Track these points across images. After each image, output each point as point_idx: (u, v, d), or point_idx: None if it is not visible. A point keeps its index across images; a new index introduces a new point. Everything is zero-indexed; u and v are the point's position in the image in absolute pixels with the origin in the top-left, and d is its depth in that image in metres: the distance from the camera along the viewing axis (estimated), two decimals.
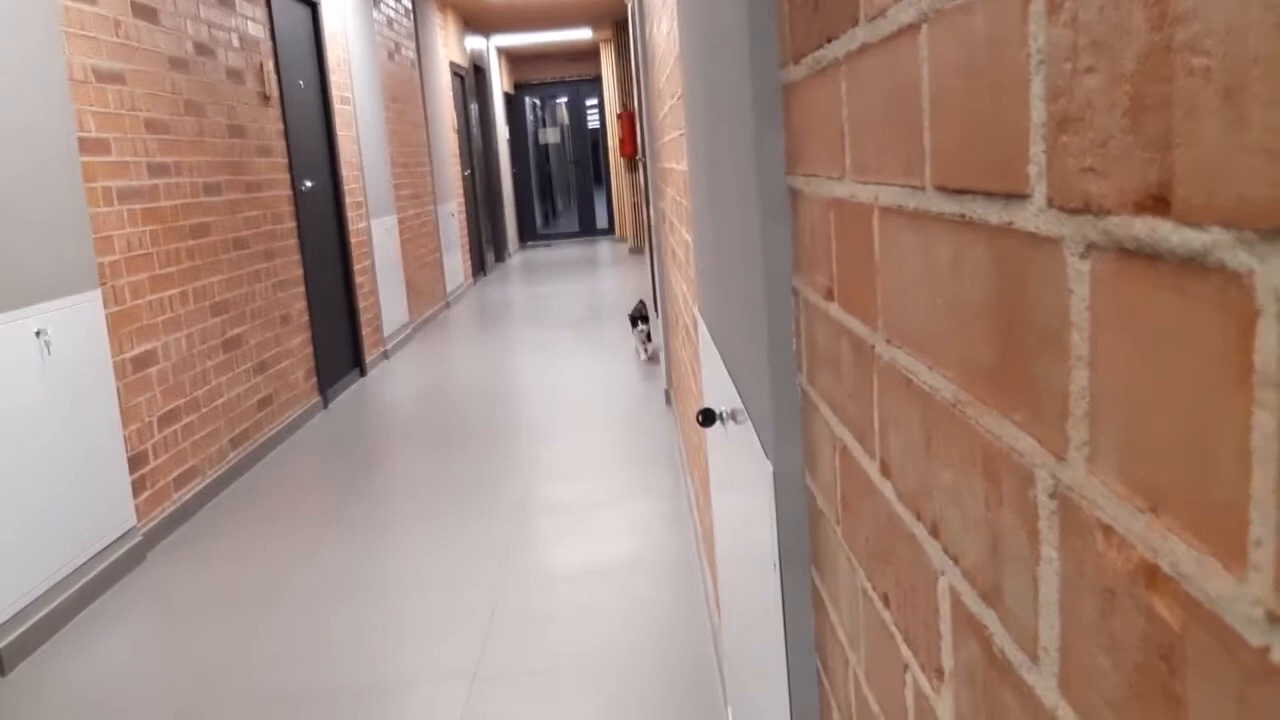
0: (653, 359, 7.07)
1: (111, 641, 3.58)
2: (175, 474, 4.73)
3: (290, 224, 6.55)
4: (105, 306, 4.23)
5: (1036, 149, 0.47)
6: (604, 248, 17.09)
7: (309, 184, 6.97)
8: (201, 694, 3.15)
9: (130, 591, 4.01)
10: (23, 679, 3.34)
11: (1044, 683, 0.51)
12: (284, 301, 6.34)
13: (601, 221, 19.27)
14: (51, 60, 3.94)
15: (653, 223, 6.11)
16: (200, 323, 5.13)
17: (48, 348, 3.78)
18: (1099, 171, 0.41)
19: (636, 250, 15.00)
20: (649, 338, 7.02)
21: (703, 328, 2.40)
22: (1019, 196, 0.50)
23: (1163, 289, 0.37)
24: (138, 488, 4.38)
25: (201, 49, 5.41)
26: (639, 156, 9.47)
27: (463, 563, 4.01)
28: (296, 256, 6.62)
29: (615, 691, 2.96)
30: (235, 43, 5.87)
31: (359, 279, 7.97)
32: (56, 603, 3.67)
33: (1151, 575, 0.39)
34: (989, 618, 0.58)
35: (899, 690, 0.82)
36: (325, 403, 6.91)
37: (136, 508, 4.34)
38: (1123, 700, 0.42)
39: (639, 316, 7.11)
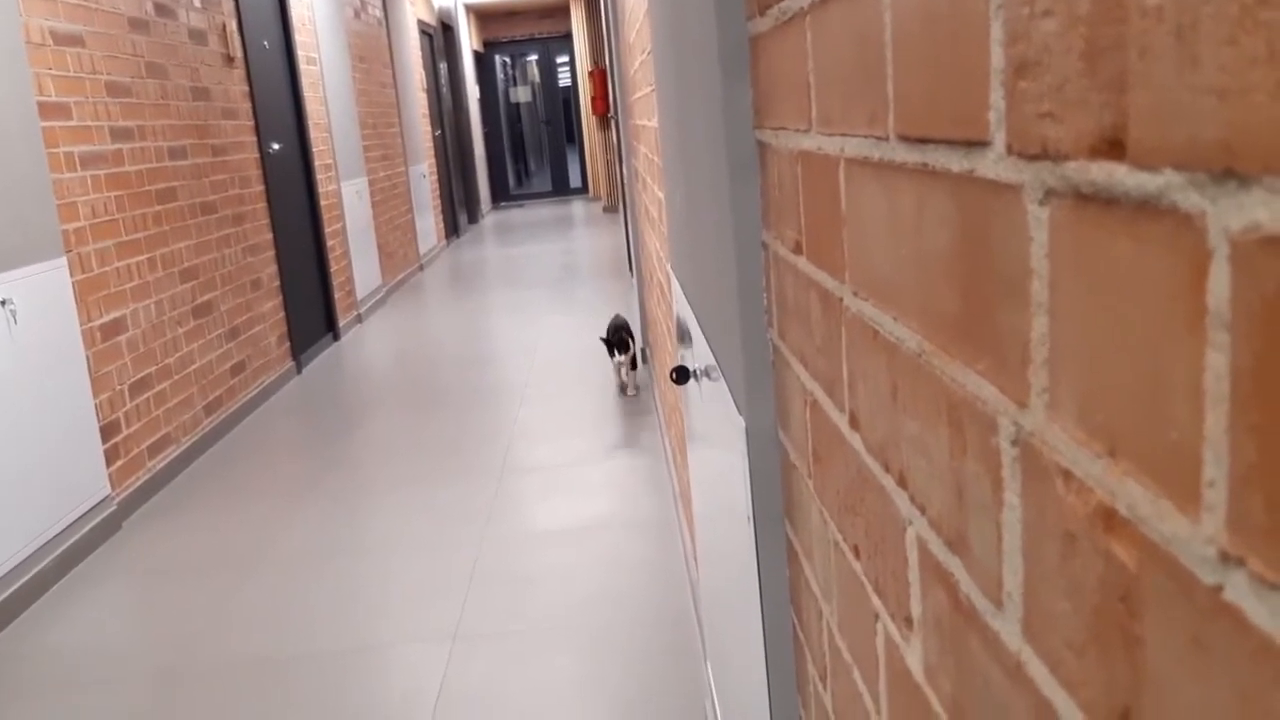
0: (637, 394, 5.33)
1: (89, 610, 3.57)
2: (149, 442, 4.71)
3: (258, 188, 6.48)
4: (71, 274, 4.18)
5: (996, 95, 0.47)
6: (578, 207, 17.01)
7: (276, 147, 6.88)
8: (181, 660, 3.15)
9: (107, 560, 4.00)
10: (1, 647, 3.33)
11: (1008, 628, 0.51)
12: (254, 266, 6.29)
13: (575, 181, 19.17)
14: (7, 22, 3.86)
15: (626, 181, 6.08)
16: (169, 289, 5.08)
17: (14, 317, 3.73)
18: (1056, 116, 0.41)
19: (610, 209, 14.94)
20: (634, 365, 5.34)
21: (675, 285, 2.40)
22: (979, 144, 0.50)
23: (1119, 233, 0.37)
24: (111, 456, 4.35)
25: (162, 9, 5.31)
26: (611, 114, 9.40)
27: (441, 525, 4.02)
28: (266, 220, 6.55)
29: (596, 649, 2.98)
30: (196, 2, 5.77)
31: (330, 242, 7.91)
32: (33, 572, 3.66)
33: (1109, 518, 0.39)
34: (955, 565, 0.59)
35: (870, 639, 0.83)
36: (299, 368, 6.88)
37: (110, 476, 4.32)
38: (1083, 643, 0.43)
39: (616, 342, 5.20)
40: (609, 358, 5.10)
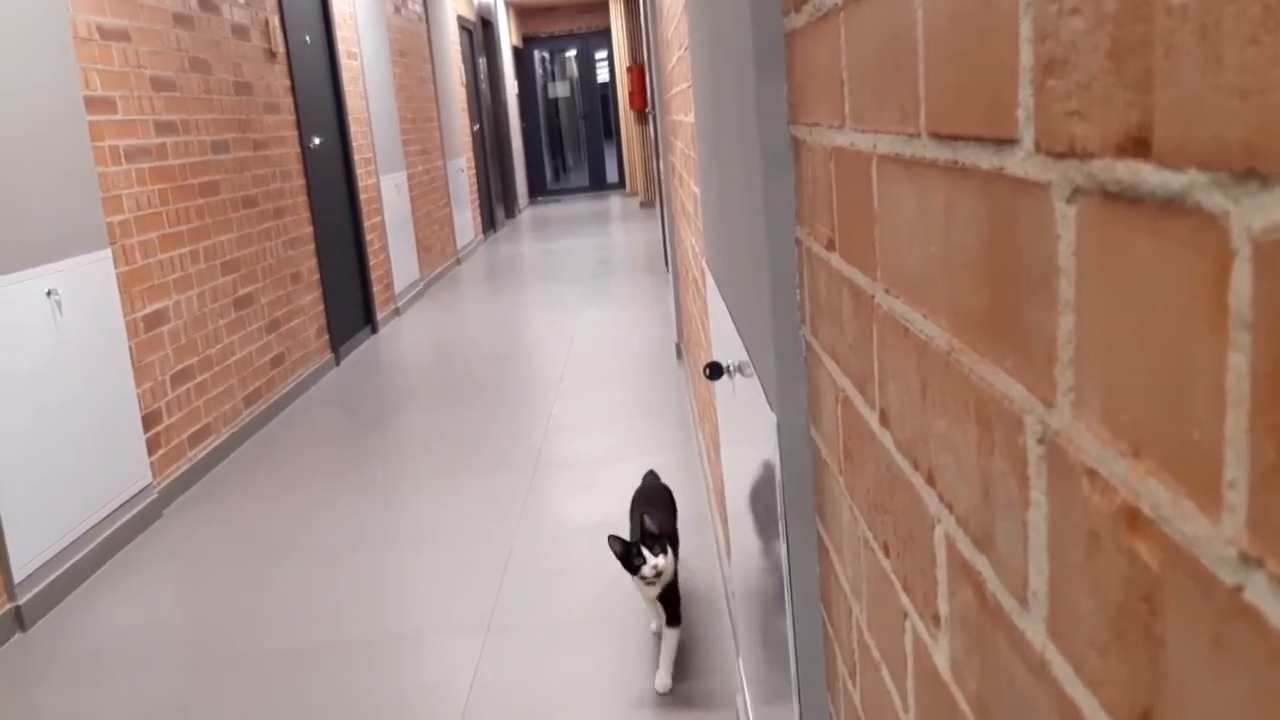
0: (670, 624, 2.77)
1: (128, 597, 3.63)
2: (189, 432, 4.77)
3: (299, 181, 6.54)
4: (115, 266, 4.24)
5: (1025, 93, 0.47)
6: (614, 202, 17.02)
7: (317, 141, 6.94)
8: (218, 646, 3.19)
9: (146, 548, 4.06)
10: (43, 634, 3.39)
11: (1033, 626, 0.51)
12: (294, 259, 6.35)
13: (612, 176, 19.18)
14: (55, 18, 3.92)
15: (663, 176, 6.09)
16: (211, 281, 5.14)
17: (59, 307, 3.79)
18: (1083, 115, 0.41)
19: (647, 204, 14.95)
20: (658, 575, 2.66)
21: (710, 281, 2.40)
22: (1008, 142, 0.50)
23: (1143, 232, 0.37)
24: (152, 445, 4.42)
25: (205, 5, 5.37)
26: (648, 109, 9.40)
27: (476, 517, 4.04)
28: (306, 214, 6.62)
29: (628, 642, 2.99)
30: None
31: (369, 236, 7.96)
32: (75, 559, 3.72)
33: (1133, 518, 0.39)
34: (982, 564, 0.59)
35: (899, 637, 0.83)
36: (337, 360, 6.94)
37: (152, 465, 4.38)
38: (1106, 642, 0.43)
39: (637, 543, 2.68)
40: (623, 561, 2.66)
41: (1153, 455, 0.37)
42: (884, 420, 0.82)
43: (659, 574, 2.64)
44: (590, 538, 3.75)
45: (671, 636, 2.72)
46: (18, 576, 3.41)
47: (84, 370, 3.93)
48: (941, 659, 0.70)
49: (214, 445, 4.97)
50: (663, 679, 2.69)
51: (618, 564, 3.51)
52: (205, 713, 2.83)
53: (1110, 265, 0.40)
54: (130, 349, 4.30)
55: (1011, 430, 0.52)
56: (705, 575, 3.36)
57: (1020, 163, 0.48)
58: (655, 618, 2.89)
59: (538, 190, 18.79)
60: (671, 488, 3.22)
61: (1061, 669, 0.48)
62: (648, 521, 2.68)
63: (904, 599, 0.80)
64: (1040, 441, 0.48)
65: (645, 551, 2.62)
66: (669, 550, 2.68)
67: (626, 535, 2.88)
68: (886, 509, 0.83)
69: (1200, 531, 0.34)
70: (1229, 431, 0.32)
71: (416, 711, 2.74)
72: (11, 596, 3.39)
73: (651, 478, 3.33)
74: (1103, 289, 0.41)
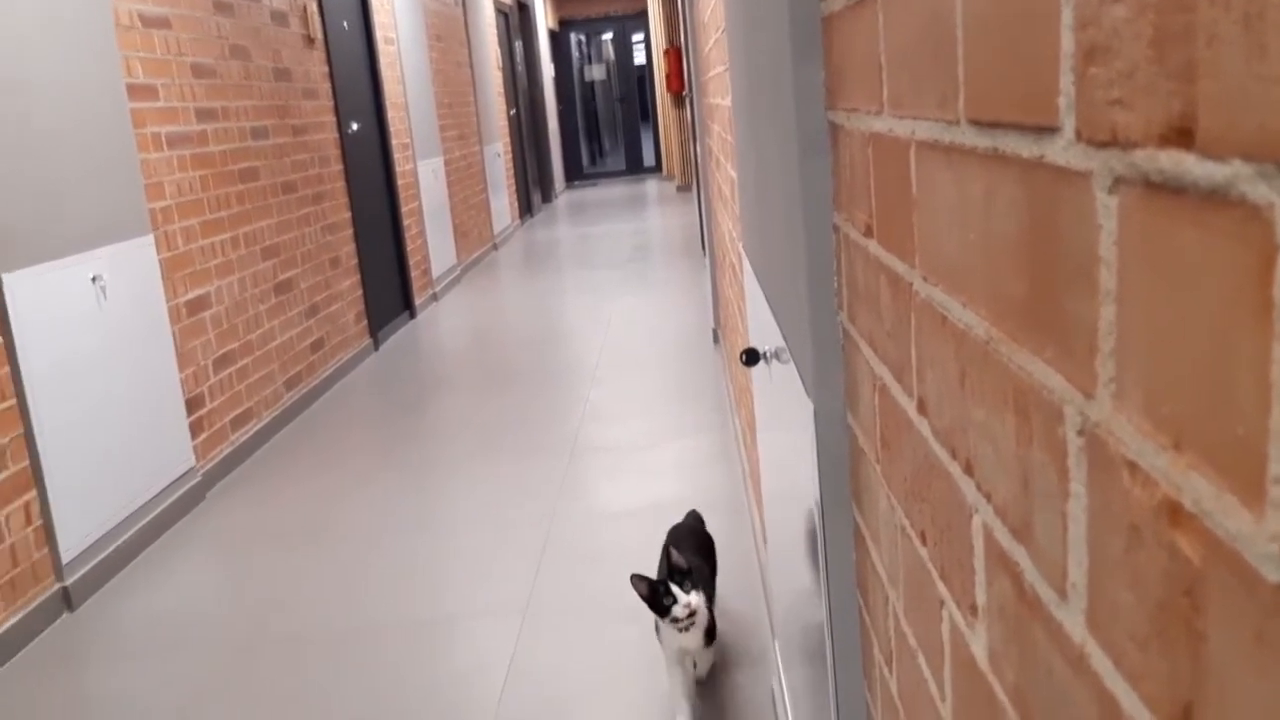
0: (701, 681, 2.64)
1: (173, 579, 3.68)
2: (231, 416, 4.83)
3: (337, 167, 6.58)
4: (158, 252, 4.29)
5: (1066, 81, 0.46)
6: (651, 186, 16.99)
7: (355, 126, 6.98)
8: (260, 628, 3.24)
9: (190, 530, 4.11)
10: (89, 614, 3.45)
11: (1072, 619, 0.51)
12: (333, 245, 6.39)
13: (649, 159, 19.13)
14: (98, 6, 3.96)
15: (700, 160, 6.07)
16: (251, 267, 5.19)
17: (104, 293, 3.85)
18: (1125, 103, 0.40)
19: (684, 188, 14.90)
20: (709, 636, 2.46)
21: (747, 266, 2.39)
22: (1049, 129, 0.49)
23: (1187, 223, 0.36)
24: (195, 429, 4.47)
25: None
26: (685, 93, 9.36)
27: (513, 501, 4.06)
28: (344, 200, 6.66)
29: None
30: None
31: (407, 221, 8.00)
32: (120, 541, 3.78)
33: (1174, 512, 0.39)
34: (1020, 554, 0.59)
35: (936, 626, 0.82)
36: (376, 345, 6.99)
37: (195, 449, 4.44)
38: (1147, 636, 0.42)
39: (665, 580, 2.38)
40: (651, 604, 2.37)
41: (1194, 449, 0.37)
42: (922, 409, 0.81)
43: (692, 615, 2.31)
44: (627, 522, 3.76)
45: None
46: (65, 558, 3.47)
47: (128, 355, 3.98)
48: (979, 649, 0.70)
49: (255, 429, 5.03)
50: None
51: (654, 545, 3.50)
52: (247, 694, 2.87)
53: (1153, 256, 0.39)
54: (173, 334, 4.36)
55: (1051, 421, 0.52)
56: (740, 559, 3.36)
57: (1061, 151, 0.48)
58: (683, 697, 2.41)
59: (574, 174, 18.78)
60: (713, 535, 2.91)
61: (1101, 662, 0.47)
62: (675, 555, 2.36)
63: (941, 588, 0.79)
64: (1080, 433, 0.48)
65: (675, 589, 2.30)
66: (700, 589, 2.36)
67: (654, 573, 2.65)
68: (924, 497, 0.83)
69: (1243, 527, 0.34)
70: (1274, 426, 0.32)
71: (452, 696, 2.77)
72: (59, 577, 3.46)
73: (692, 519, 2.98)
74: (1145, 280, 0.40)
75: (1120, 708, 0.45)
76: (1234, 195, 0.33)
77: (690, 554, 2.53)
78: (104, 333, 3.84)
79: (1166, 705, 0.41)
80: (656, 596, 2.33)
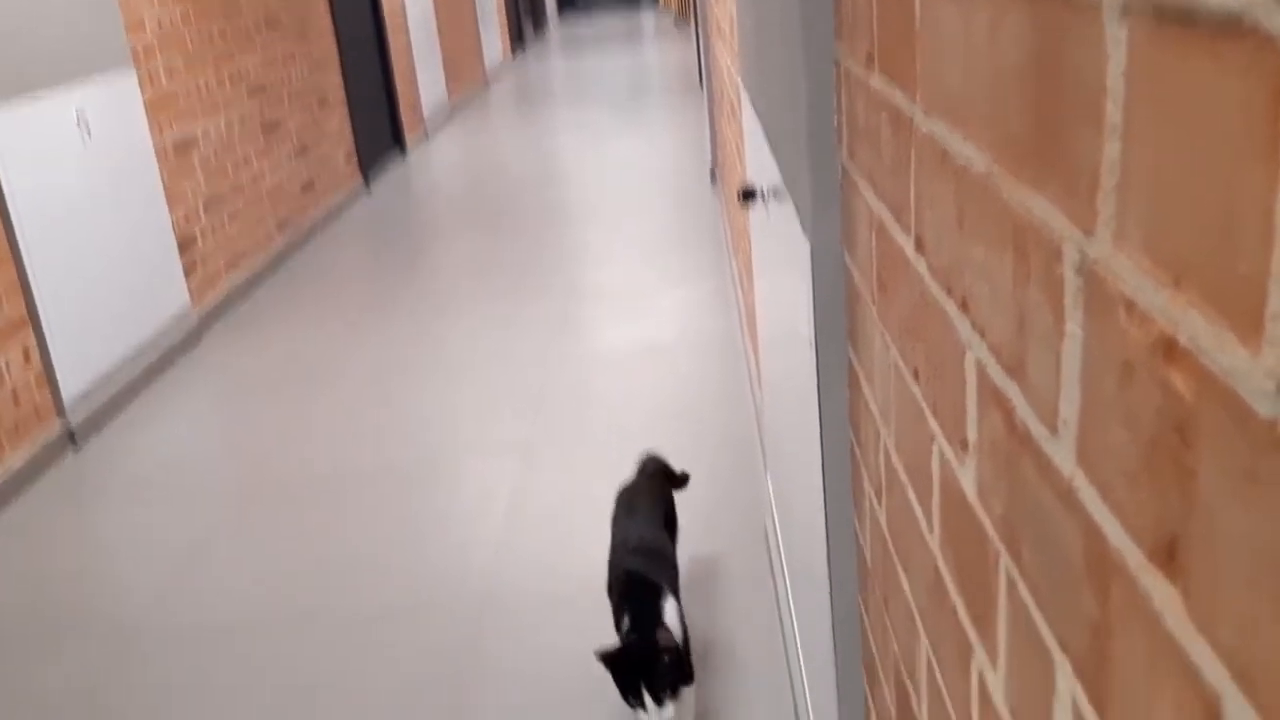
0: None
1: (173, 419, 3.73)
2: (224, 258, 4.80)
3: (322, 1, 6.37)
4: (142, 90, 4.19)
5: None
6: (647, 19, 16.50)
7: None
8: (263, 470, 3.30)
9: (188, 372, 4.15)
10: (93, 453, 3.51)
11: (1062, 453, 0.52)
12: (320, 83, 6.24)
13: None
14: None
15: None
16: (238, 106, 5.07)
17: (88, 131, 3.77)
18: None
19: (681, 21, 14.47)
20: (678, 680, 1.90)
21: (746, 102, 2.34)
22: None
23: (1197, 54, 0.35)
24: (189, 271, 4.46)
25: None
26: None
27: (511, 345, 4.09)
28: (330, 35, 6.47)
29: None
30: None
31: (395, 55, 7.79)
32: (120, 382, 3.81)
33: (1170, 349, 0.39)
34: (1012, 390, 0.59)
35: (926, 461, 0.84)
36: (368, 186, 6.91)
37: (190, 291, 4.44)
38: (1136, 471, 0.43)
39: (633, 653, 1.86)
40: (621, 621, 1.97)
41: (1194, 286, 0.37)
42: (919, 247, 0.81)
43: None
44: (624, 364, 3.79)
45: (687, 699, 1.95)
46: (67, 398, 3.51)
47: (117, 196, 3.94)
48: (968, 482, 0.71)
49: (249, 272, 5.01)
50: None
51: (652, 386, 3.54)
52: (253, 532, 2.95)
53: (1161, 89, 0.38)
54: (162, 175, 4.29)
55: (1049, 259, 0.51)
56: (734, 400, 3.40)
57: None
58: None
59: (566, 5, 18.21)
60: (673, 469, 2.51)
61: (1089, 496, 0.48)
62: (663, 637, 1.82)
63: (932, 424, 0.80)
64: (1079, 271, 0.48)
65: (647, 701, 1.80)
66: (678, 690, 1.84)
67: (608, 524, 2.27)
68: (919, 336, 0.83)
69: (1239, 364, 0.34)
70: (1275, 263, 0.31)
71: (454, 533, 2.84)
72: (63, 415, 3.50)
73: (648, 469, 2.46)
74: (1152, 113, 0.39)
75: (1106, 540, 0.46)
76: (1247, 24, 0.32)
77: (646, 523, 2.19)
78: (91, 173, 3.79)
79: (1151, 538, 0.42)
80: (627, 686, 1.84)
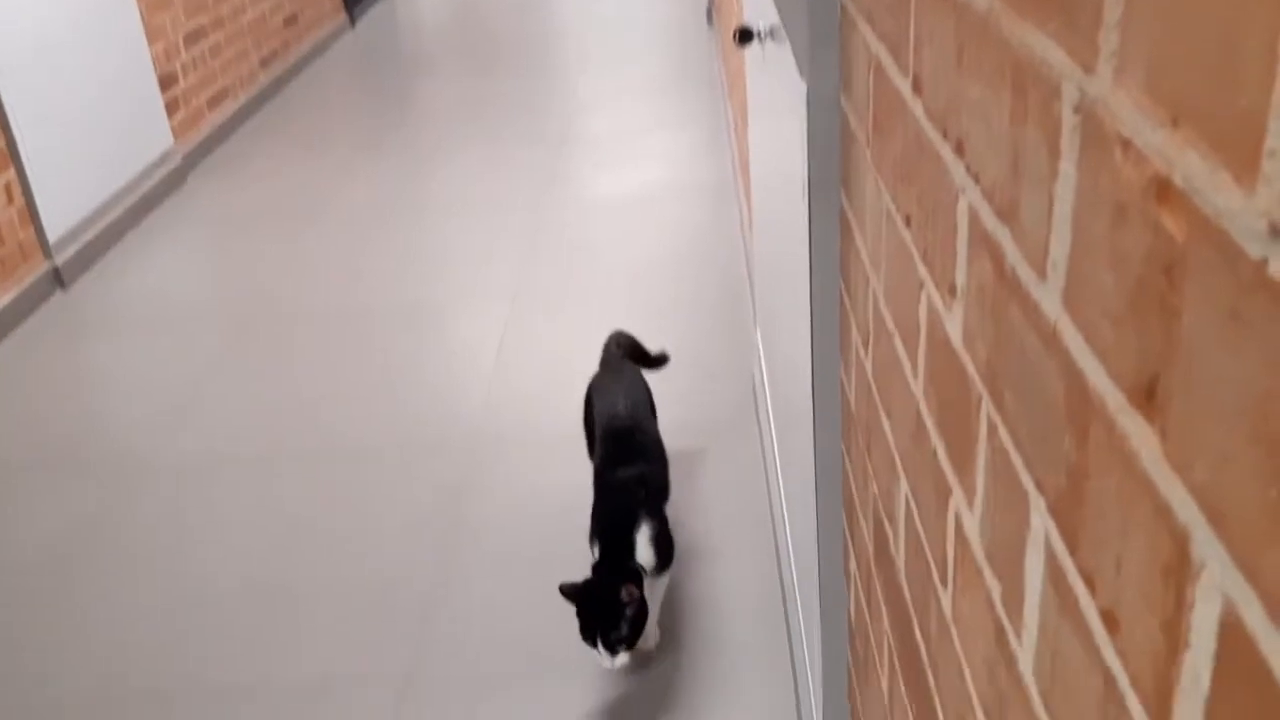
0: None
1: (162, 260, 3.71)
2: (207, 95, 4.69)
3: None
4: None
5: None
6: None
7: None
8: (251, 309, 3.30)
9: (175, 211, 4.10)
10: (82, 293, 3.50)
11: (1048, 298, 0.52)
12: None
13: None
14: None
15: None
16: None
17: None
18: None
19: None
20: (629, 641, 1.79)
21: None
22: None
23: None
24: (171, 108, 4.36)
25: None
26: None
27: (502, 188, 4.04)
28: None
29: (650, 309, 3.06)
30: None
31: None
32: (106, 221, 3.77)
33: (1164, 189, 0.38)
34: (1003, 235, 0.59)
35: (914, 308, 0.84)
36: (352, 21, 6.70)
37: (172, 128, 4.35)
38: (1121, 313, 0.43)
39: (596, 627, 1.78)
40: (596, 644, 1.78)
41: (1192, 124, 0.36)
42: (916, 88, 0.79)
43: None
44: (617, 209, 3.76)
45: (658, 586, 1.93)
46: (52, 237, 3.48)
47: (95, 30, 3.82)
48: (954, 328, 0.71)
49: (233, 110, 4.91)
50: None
51: (642, 232, 3.52)
52: (244, 369, 2.97)
53: None
54: (139, 7, 4.16)
55: (1048, 97, 0.50)
56: (725, 248, 3.39)
57: None
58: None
59: None
60: (647, 348, 2.39)
61: (1073, 339, 0.48)
62: (633, 581, 1.76)
63: (922, 270, 0.80)
64: (1076, 110, 0.47)
65: (601, 648, 1.75)
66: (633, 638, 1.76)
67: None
68: (912, 180, 0.82)
69: (1232, 203, 0.33)
70: (1275, 101, 0.30)
71: (445, 373, 2.86)
72: (49, 255, 3.48)
73: (616, 352, 2.31)
74: None
75: (1087, 383, 0.47)
76: None
77: (619, 399, 2.11)
78: (67, 4, 3.66)
79: (1131, 379, 0.42)
80: (589, 625, 1.76)
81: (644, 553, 1.84)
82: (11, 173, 3.34)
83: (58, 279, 3.50)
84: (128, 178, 3.95)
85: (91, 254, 3.67)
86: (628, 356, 2.32)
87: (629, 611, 1.75)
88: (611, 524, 1.88)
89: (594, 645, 1.76)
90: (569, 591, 1.77)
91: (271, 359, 3.00)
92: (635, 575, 1.78)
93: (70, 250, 3.55)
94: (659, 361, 2.41)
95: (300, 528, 2.33)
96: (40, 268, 3.43)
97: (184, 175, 4.36)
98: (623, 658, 1.75)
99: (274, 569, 2.22)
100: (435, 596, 2.12)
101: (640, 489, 1.93)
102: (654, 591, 1.89)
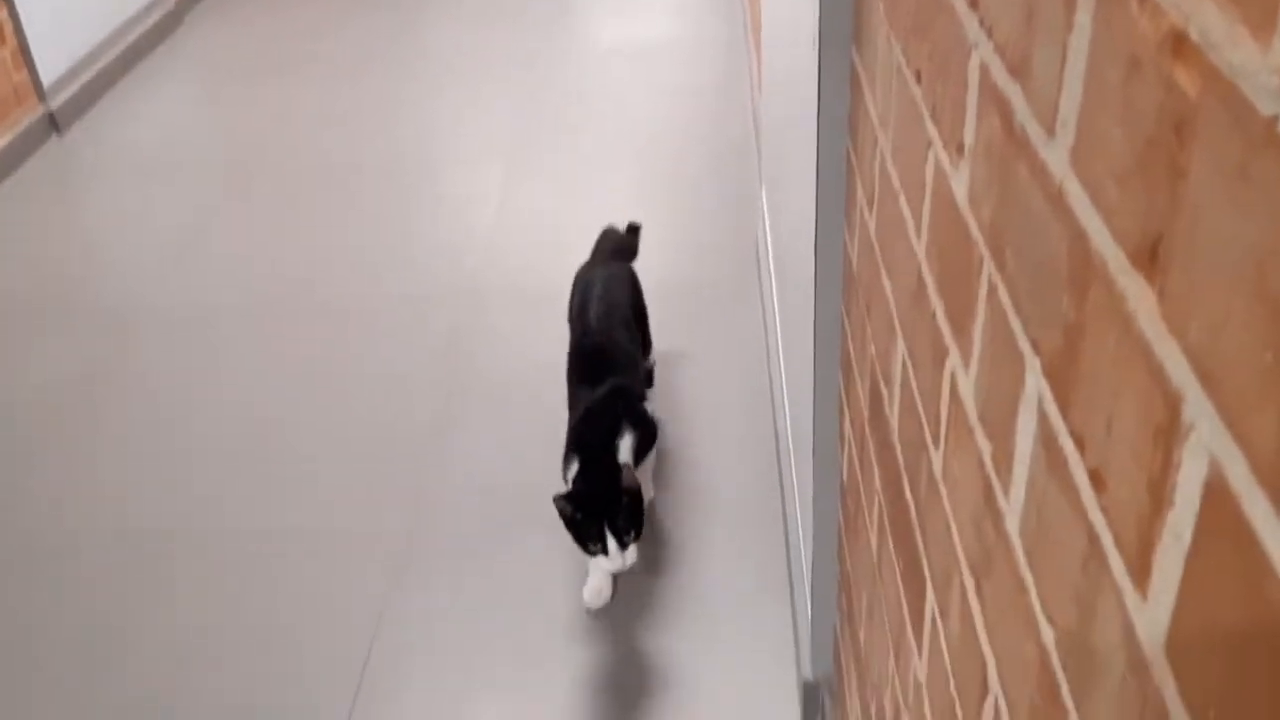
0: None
1: (158, 103, 3.65)
2: None
3: None
4: None
5: None
6: None
7: None
8: (249, 154, 3.26)
9: (171, 55, 4.01)
10: (77, 138, 3.45)
11: (1056, 156, 0.51)
12: None
13: None
14: None
15: None
16: None
17: None
18: None
19: None
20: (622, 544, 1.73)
21: None
22: None
23: None
24: None
25: None
26: None
27: (502, 42, 3.94)
28: None
29: (655, 167, 3.02)
30: None
31: None
32: (100, 65, 3.70)
33: (1179, 43, 0.37)
34: (1013, 91, 0.57)
35: (920, 167, 0.83)
36: None
37: None
38: (1127, 172, 0.42)
39: (593, 523, 1.72)
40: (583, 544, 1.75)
41: None
42: None
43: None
44: (621, 65, 3.68)
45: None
46: (46, 81, 3.41)
47: None
48: (960, 187, 0.70)
49: None
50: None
51: (649, 86, 3.46)
52: (242, 217, 2.95)
53: None
54: None
55: None
56: (733, 106, 3.32)
57: None
58: (605, 577, 1.89)
59: None
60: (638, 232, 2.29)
61: (1078, 198, 0.48)
62: (627, 476, 1.73)
63: (930, 128, 0.79)
64: None
65: (610, 540, 1.70)
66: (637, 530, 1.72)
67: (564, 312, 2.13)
68: (924, 35, 0.80)
69: (1247, 60, 0.32)
70: None
71: (448, 226, 2.85)
72: (43, 99, 3.42)
73: (609, 246, 2.25)
74: None
75: (1090, 243, 0.46)
76: None
77: (607, 303, 2.04)
78: None
79: (1135, 239, 0.42)
80: (584, 535, 1.73)
81: (626, 456, 1.82)
82: (4, 10, 3.25)
83: (53, 124, 3.45)
84: (121, 20, 3.85)
85: (86, 100, 3.60)
86: (615, 254, 2.23)
87: (628, 499, 1.70)
88: (591, 441, 1.82)
89: (597, 550, 1.71)
90: (565, 498, 1.71)
91: (271, 207, 2.98)
92: (623, 469, 1.75)
93: (64, 94, 3.49)
94: (633, 234, 2.30)
95: (303, 376, 2.35)
96: (35, 111, 3.38)
97: (179, 19, 4.25)
98: (633, 552, 1.71)
99: (272, 415, 2.25)
100: (433, 446, 2.15)
101: (617, 401, 1.89)
102: (644, 473, 1.89)
